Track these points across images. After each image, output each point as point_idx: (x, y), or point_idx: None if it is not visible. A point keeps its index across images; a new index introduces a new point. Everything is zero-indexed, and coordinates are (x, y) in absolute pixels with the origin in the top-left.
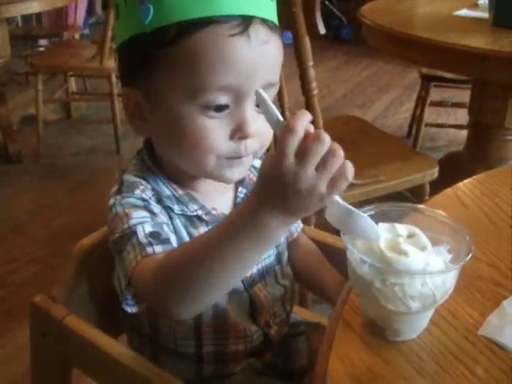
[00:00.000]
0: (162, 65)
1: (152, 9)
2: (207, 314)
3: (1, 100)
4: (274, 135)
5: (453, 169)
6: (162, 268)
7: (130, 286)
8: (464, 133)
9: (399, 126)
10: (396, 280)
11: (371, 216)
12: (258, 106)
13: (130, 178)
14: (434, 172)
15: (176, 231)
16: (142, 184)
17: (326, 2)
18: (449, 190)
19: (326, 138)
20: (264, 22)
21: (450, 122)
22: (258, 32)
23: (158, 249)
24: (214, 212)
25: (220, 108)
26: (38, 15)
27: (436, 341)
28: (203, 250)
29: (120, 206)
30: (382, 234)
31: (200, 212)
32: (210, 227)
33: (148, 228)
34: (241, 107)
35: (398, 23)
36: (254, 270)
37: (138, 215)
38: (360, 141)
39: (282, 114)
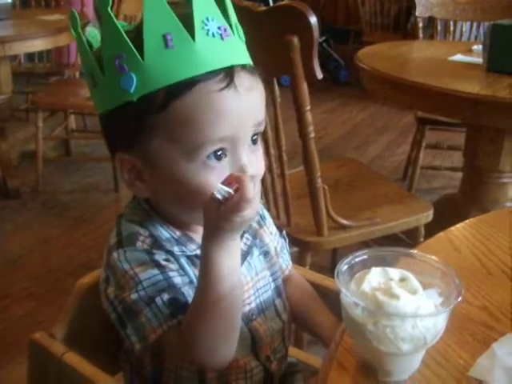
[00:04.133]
0: (157, 130)
1: (135, 77)
2: None
3: (1, 135)
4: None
5: (448, 211)
6: (185, 331)
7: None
8: (459, 175)
9: (395, 168)
10: (387, 322)
11: (365, 260)
12: (254, 141)
13: (128, 226)
14: (429, 215)
15: (184, 271)
16: (140, 234)
17: (324, 45)
18: (441, 234)
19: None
20: (244, 67)
21: (445, 165)
22: (243, 80)
23: (181, 317)
24: None
25: (220, 156)
26: (40, 53)
27: (427, 382)
28: (202, 296)
29: (126, 262)
30: (375, 277)
31: (199, 251)
32: None
33: (165, 296)
34: (237, 153)
35: (393, 68)
36: (253, 304)
37: (149, 275)
38: (356, 183)
39: (280, 156)
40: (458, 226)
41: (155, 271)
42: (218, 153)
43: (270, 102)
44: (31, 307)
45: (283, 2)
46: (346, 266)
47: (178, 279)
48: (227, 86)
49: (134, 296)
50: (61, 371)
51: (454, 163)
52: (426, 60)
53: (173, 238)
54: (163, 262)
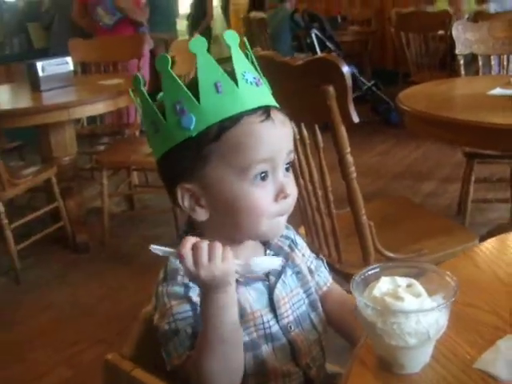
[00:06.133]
0: (211, 157)
1: (194, 117)
2: (249, 365)
3: (69, 194)
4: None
5: None
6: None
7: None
8: None
9: (449, 204)
10: (394, 320)
11: (377, 272)
12: (287, 169)
13: (173, 262)
14: (475, 244)
15: None
16: (181, 269)
17: (373, 88)
18: (462, 253)
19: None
20: (276, 108)
21: (498, 197)
22: (277, 116)
23: None
24: (248, 275)
25: (264, 177)
26: (101, 115)
27: (436, 374)
28: (204, 336)
29: (166, 296)
30: (384, 285)
31: (236, 276)
32: (245, 287)
33: (189, 330)
34: (277, 175)
35: (433, 107)
36: (291, 317)
37: (181, 309)
38: (403, 218)
39: (326, 196)
40: (479, 245)
41: (187, 307)
42: (262, 174)
43: (313, 147)
44: (101, 351)
45: (317, 56)
46: (360, 278)
47: None
48: (266, 118)
49: (166, 326)
50: None
51: (506, 195)
52: (466, 96)
53: None
54: (195, 298)
